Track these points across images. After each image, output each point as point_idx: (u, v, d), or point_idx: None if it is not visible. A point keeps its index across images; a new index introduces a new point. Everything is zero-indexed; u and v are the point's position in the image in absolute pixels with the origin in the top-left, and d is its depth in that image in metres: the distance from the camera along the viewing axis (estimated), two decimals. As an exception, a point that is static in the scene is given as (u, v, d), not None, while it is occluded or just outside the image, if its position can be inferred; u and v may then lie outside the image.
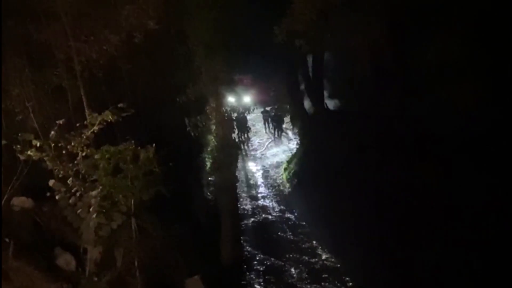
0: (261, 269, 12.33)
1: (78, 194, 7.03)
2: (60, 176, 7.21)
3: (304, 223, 15.21)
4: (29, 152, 6.93)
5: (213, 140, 16.22)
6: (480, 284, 7.92)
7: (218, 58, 13.93)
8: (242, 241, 13.98)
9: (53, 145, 7.12)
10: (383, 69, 13.43)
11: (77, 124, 7.66)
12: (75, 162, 7.33)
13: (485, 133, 9.01)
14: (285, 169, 20.94)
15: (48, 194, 7.03)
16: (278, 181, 20.43)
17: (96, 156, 7.29)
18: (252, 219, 16.05)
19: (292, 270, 12.17)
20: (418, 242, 9.63)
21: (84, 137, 7.39)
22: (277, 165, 22.69)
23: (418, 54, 11.42)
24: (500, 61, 9.20)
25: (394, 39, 12.52)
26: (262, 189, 19.50)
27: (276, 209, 16.87)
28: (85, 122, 7.71)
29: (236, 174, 19.99)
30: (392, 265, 10.09)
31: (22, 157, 7.00)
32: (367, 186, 12.46)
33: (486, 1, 9.75)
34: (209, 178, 16.86)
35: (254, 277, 11.92)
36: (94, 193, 6.99)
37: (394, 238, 10.43)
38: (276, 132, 28.00)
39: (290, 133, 27.40)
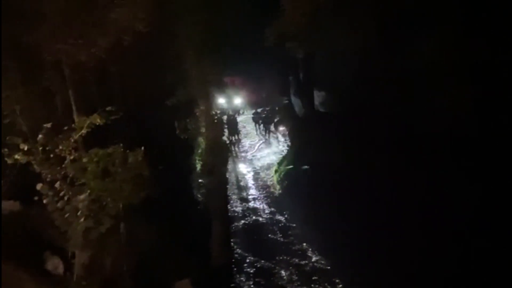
0: (251, 271, 12.33)
1: (66, 197, 7.00)
2: (48, 179, 7.17)
3: (294, 224, 15.21)
4: (16, 156, 6.89)
5: (203, 142, 16.24)
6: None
7: (209, 60, 13.94)
8: (232, 243, 13.97)
9: (41, 148, 7.08)
10: (372, 71, 13.50)
11: (66, 127, 7.61)
12: (63, 165, 7.30)
13: (473, 134, 9.11)
14: (276, 171, 20.94)
15: (36, 198, 6.99)
16: (268, 182, 20.43)
17: (84, 160, 7.27)
18: (243, 221, 16.03)
19: (282, 272, 12.19)
20: (408, 241, 9.70)
21: (72, 140, 7.36)
22: (268, 167, 22.68)
23: (407, 56, 11.50)
24: (486, 63, 9.30)
25: (382, 40, 12.61)
26: (252, 191, 19.48)
27: (267, 211, 16.86)
28: (73, 125, 7.68)
29: (227, 176, 20.03)
30: (382, 266, 10.14)
31: (9, 161, 6.96)
32: (357, 187, 12.51)
33: (471, 4, 9.86)
34: (200, 181, 16.84)
35: (244, 280, 11.92)
36: (82, 196, 6.97)
37: (384, 239, 10.49)
38: (266, 134, 28.02)
39: (280, 135, 27.42)
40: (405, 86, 11.84)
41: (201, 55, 13.66)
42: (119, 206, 7.46)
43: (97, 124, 7.46)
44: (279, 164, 21.43)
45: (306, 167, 17.20)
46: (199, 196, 16.12)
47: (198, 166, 16.97)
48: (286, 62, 21.29)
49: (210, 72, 14.10)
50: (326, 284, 11.43)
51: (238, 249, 13.66)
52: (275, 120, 27.53)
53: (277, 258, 12.91)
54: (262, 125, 28.69)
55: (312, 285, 11.45)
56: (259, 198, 18.51)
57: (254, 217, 16.33)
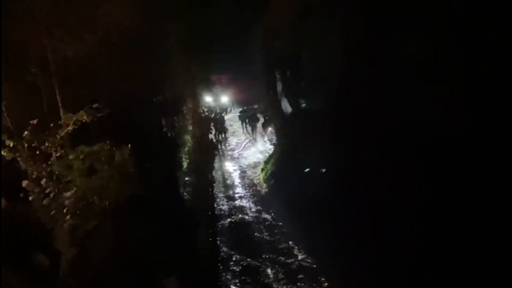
0: (237, 269, 12.36)
1: (52, 195, 6.98)
2: (34, 176, 7.15)
3: (280, 223, 15.28)
4: (2, 152, 6.85)
5: (190, 140, 16.24)
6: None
7: (196, 58, 13.94)
8: (218, 242, 13.99)
9: (27, 145, 7.05)
10: (360, 69, 13.58)
11: (52, 124, 7.59)
12: (49, 162, 7.27)
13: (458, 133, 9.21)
14: (262, 170, 21.02)
15: (22, 195, 6.97)
16: (255, 181, 20.49)
17: (70, 157, 7.26)
18: (229, 219, 16.05)
19: (269, 270, 12.23)
20: (395, 239, 9.79)
21: (59, 137, 7.34)
22: (254, 165, 22.76)
23: (394, 54, 11.58)
24: (472, 63, 9.41)
25: (370, 39, 12.68)
26: (239, 189, 19.52)
27: (253, 210, 16.91)
28: (59, 122, 7.65)
29: (213, 174, 20.05)
30: (368, 264, 10.23)
31: (-5, 158, 6.92)
32: (344, 185, 12.59)
33: (458, 3, 9.95)
34: (186, 179, 16.84)
35: (230, 278, 11.95)
36: (68, 194, 6.96)
37: (370, 237, 10.59)
38: (253, 132, 28.08)
39: (267, 133, 27.50)
40: (393, 84, 11.92)
41: (188, 53, 13.66)
42: (105, 203, 7.46)
43: (84, 121, 7.45)
44: (266, 162, 21.52)
45: (294, 166, 17.26)
46: (185, 194, 16.12)
47: (185, 164, 16.97)
48: (273, 60, 21.31)
49: (197, 70, 14.10)
50: (311, 282, 11.50)
51: (224, 247, 13.68)
52: (262, 118, 27.62)
53: (263, 256, 12.96)
54: (248, 124, 28.76)
55: (298, 284, 11.52)
56: (245, 196, 18.55)
57: (240, 216, 16.37)
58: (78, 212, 6.99)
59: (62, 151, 7.31)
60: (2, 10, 8.49)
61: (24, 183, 6.94)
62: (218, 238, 14.23)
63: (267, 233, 14.61)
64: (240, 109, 29.70)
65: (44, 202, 6.90)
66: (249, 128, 28.78)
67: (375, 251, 10.20)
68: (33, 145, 7.11)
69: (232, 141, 28.31)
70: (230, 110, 28.82)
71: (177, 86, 13.04)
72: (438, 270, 8.72)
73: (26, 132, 7.12)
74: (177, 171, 16.86)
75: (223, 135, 27.39)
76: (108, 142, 7.50)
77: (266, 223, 15.49)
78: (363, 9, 12.32)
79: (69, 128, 7.41)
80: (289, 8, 12.27)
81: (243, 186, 19.99)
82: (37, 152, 7.18)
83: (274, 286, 11.52)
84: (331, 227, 12.31)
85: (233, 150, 26.52)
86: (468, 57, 9.47)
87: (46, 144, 7.20)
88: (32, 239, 7.50)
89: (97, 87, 11.25)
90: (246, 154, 25.30)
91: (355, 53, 13.51)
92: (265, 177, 19.91)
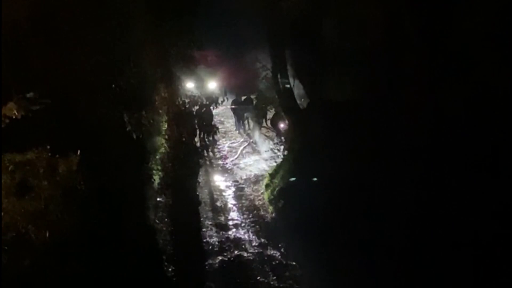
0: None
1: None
2: None
3: (293, 262, 15.30)
4: None
5: (164, 144, 16.24)
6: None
7: (171, 25, 13.90)
8: (206, 289, 14.03)
9: None
10: (404, 43, 13.60)
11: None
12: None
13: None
14: (267, 186, 21.02)
15: None
16: (257, 202, 20.52)
17: (-6, 169, 7.29)
18: (220, 257, 16.07)
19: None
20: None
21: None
22: (256, 180, 22.80)
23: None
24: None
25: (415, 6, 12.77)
26: (234, 214, 19.55)
27: (254, 243, 16.93)
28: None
29: (197, 193, 20.05)
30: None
31: None
32: (384, 205, 12.64)
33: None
34: (158, 199, 16.82)
35: None
36: (-9, 221, 6.99)
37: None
38: (254, 133, 28.10)
39: (274, 134, 27.52)
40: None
41: (160, 17, 13.61)
42: (45, 235, 7.47)
43: (13, 117, 7.47)
44: (272, 176, 21.49)
45: (314, 179, 17.26)
46: (157, 221, 16.12)
47: (156, 179, 16.96)
48: (281, 30, 21.31)
49: (173, 44, 14.05)
50: None
51: (212, 299, 13.74)
52: (267, 113, 27.58)
53: (270, 311, 13.00)
54: (247, 120, 28.77)
55: None
56: (243, 224, 18.58)
57: (236, 252, 16.38)
58: (5, 247, 7.01)
59: (-18, 161, 7.34)
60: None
61: None
62: (205, 283, 14.22)
63: (274, 277, 14.62)
64: (235, 99, 29.71)
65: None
66: (249, 127, 28.85)
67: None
68: None
69: (224, 145, 28.38)
70: (221, 102, 28.66)
71: (145, 67, 12.99)
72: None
73: None
74: (145, 188, 16.85)
75: (211, 136, 27.43)
76: (48, 147, 7.52)
77: (274, 262, 15.51)
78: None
79: (-9, 127, 7.44)
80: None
81: (240, 209, 20.02)
82: None
83: None
84: (368, 267, 12.32)
85: (225, 158, 26.57)
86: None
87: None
88: None
89: (31, 69, 11.27)
90: (244, 163, 25.35)
91: (398, 20, 13.56)
92: (271, 197, 19.90)
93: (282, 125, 26.21)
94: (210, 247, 16.72)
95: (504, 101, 10.15)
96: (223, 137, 29.20)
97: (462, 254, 10.01)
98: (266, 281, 14.51)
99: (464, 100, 11.26)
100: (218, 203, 20.74)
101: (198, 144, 26.00)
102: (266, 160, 24.86)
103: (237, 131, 30.23)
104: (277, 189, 19.89)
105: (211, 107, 26.86)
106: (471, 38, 11.13)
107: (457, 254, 10.13)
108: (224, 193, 21.88)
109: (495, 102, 10.48)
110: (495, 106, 10.48)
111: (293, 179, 19.20)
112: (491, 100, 10.61)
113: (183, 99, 16.07)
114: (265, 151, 26.26)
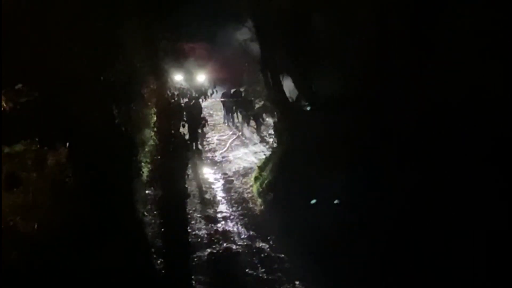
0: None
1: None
2: None
3: (282, 255, 15.29)
4: None
5: (153, 137, 16.21)
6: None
7: (161, 18, 13.87)
8: (193, 282, 14.01)
9: None
10: (399, 35, 13.59)
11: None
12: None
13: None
14: (256, 179, 21.03)
15: None
16: (246, 195, 20.53)
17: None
18: (209, 249, 16.06)
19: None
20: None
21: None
22: (245, 173, 22.81)
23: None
24: None
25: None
26: (222, 207, 19.56)
27: (243, 236, 16.94)
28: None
29: (186, 185, 20.05)
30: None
31: None
32: (373, 196, 12.68)
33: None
34: (147, 192, 16.80)
35: None
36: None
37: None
38: (243, 126, 28.08)
39: (264, 127, 27.53)
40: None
41: (149, 11, 13.59)
42: (33, 228, 7.46)
43: (2, 109, 7.45)
44: (261, 168, 21.51)
45: (298, 172, 17.27)
46: (145, 213, 16.10)
47: (145, 171, 16.94)
48: (270, 21, 21.24)
49: (162, 37, 14.03)
50: None
51: (201, 291, 13.73)
52: (256, 106, 27.59)
53: (259, 303, 13.01)
54: (237, 113, 28.75)
55: None
56: (232, 217, 18.59)
57: (225, 244, 16.38)
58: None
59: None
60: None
61: None
62: (193, 277, 14.23)
63: (263, 269, 14.61)
64: (224, 92, 29.67)
65: None
66: (238, 120, 28.82)
67: None
68: None
69: (213, 138, 28.36)
70: (210, 94, 28.57)
71: (134, 60, 12.97)
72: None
73: None
74: (133, 181, 16.81)
75: (200, 129, 27.38)
76: (36, 139, 7.49)
77: (262, 255, 15.51)
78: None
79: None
80: None
81: (229, 202, 20.03)
82: None
83: None
84: (358, 257, 12.36)
85: (214, 151, 26.56)
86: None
87: None
88: None
89: (19, 60, 11.23)
90: (233, 156, 25.37)
91: (393, 13, 13.57)
92: (260, 190, 19.91)
93: (267, 119, 26.29)
94: (199, 240, 16.72)
95: (494, 96, 10.21)
96: (212, 130, 29.21)
97: (464, 256, 10.04)
98: (254, 273, 14.51)
99: (457, 96, 11.30)
100: (207, 196, 20.75)
101: (187, 137, 25.97)
102: (255, 153, 24.87)
103: (226, 124, 30.24)
104: (266, 182, 19.91)
105: (200, 100, 26.79)
106: (462, 33, 11.17)
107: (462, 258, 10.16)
108: (213, 186, 21.90)
109: (486, 97, 10.53)
110: (486, 102, 10.54)
111: (281, 173, 19.22)
112: (482, 95, 10.67)
113: (172, 91, 16.03)
114: (254, 144, 26.28)
